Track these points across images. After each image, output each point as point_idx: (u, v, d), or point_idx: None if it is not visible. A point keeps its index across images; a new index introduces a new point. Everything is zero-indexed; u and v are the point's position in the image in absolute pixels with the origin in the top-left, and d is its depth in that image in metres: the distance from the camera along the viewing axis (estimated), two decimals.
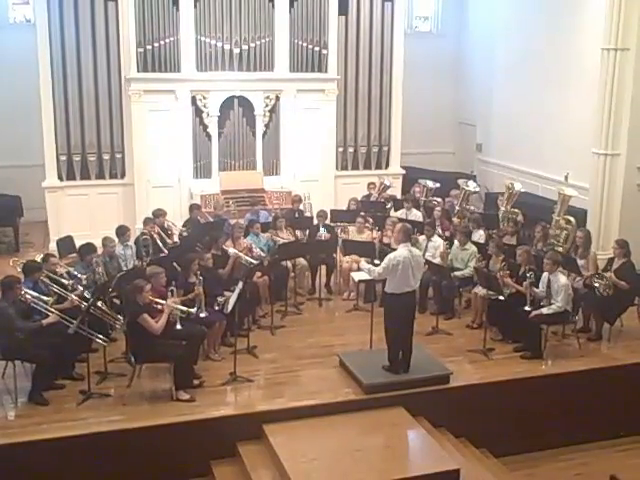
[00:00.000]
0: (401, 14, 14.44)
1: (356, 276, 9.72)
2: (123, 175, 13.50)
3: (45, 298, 7.92)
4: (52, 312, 7.79)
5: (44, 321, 7.71)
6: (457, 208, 12.30)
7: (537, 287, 9.08)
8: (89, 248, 9.30)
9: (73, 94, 12.92)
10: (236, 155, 13.69)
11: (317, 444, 7.28)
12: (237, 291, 8.37)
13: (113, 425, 7.31)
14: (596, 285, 9.39)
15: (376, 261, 9.39)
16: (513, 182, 12.55)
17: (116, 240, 9.96)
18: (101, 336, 8.01)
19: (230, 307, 8.32)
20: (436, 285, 10.29)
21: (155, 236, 10.33)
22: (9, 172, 13.99)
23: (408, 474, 6.92)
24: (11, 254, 11.92)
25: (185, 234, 10.90)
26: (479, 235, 10.89)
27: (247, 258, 9.81)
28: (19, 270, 8.58)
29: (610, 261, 9.82)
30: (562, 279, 9.00)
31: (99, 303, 8.19)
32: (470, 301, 10.36)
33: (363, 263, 8.63)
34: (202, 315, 8.33)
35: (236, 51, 13.30)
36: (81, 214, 13.01)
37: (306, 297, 11.02)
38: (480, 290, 9.67)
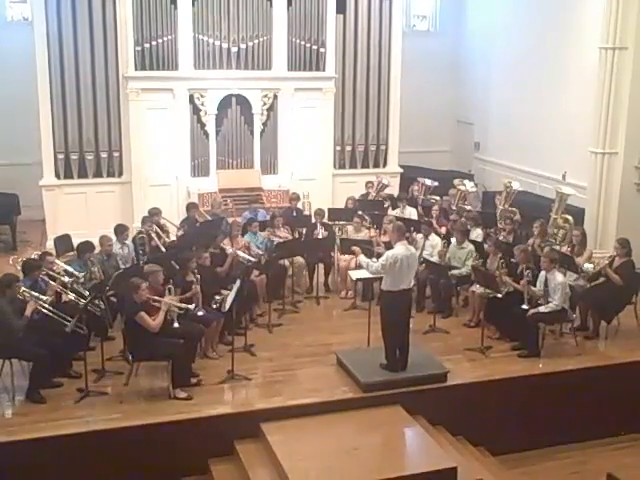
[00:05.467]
0: (399, 13, 14.41)
1: (354, 275, 9.71)
2: (121, 173, 13.47)
3: (43, 297, 7.90)
4: (50, 310, 7.80)
5: (26, 312, 7.63)
6: (453, 208, 12.30)
7: (535, 285, 9.09)
8: (87, 246, 9.29)
9: (71, 92, 12.89)
10: (234, 154, 13.68)
11: (315, 442, 7.28)
12: (235, 289, 8.37)
13: (110, 423, 7.31)
14: (584, 268, 9.41)
15: (373, 259, 9.40)
16: (511, 181, 12.58)
17: (113, 239, 9.94)
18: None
19: (228, 305, 8.32)
20: (434, 283, 10.30)
21: (153, 235, 10.32)
22: (6, 170, 13.98)
23: (405, 472, 6.92)
24: (8, 252, 11.91)
25: (181, 232, 10.89)
26: (477, 234, 10.89)
27: (245, 256, 9.81)
28: (18, 268, 8.57)
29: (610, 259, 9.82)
30: (559, 277, 9.00)
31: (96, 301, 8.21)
32: (468, 299, 10.37)
33: (362, 257, 8.62)
34: (200, 313, 8.35)
35: (234, 49, 13.29)
36: (78, 212, 12.98)
37: (304, 295, 11.03)
38: (478, 288, 9.67)
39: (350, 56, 14.33)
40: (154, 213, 10.83)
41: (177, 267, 9.15)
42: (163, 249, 10.19)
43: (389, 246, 8.73)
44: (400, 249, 8.02)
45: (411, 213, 12.04)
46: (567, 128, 13.66)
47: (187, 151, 13.45)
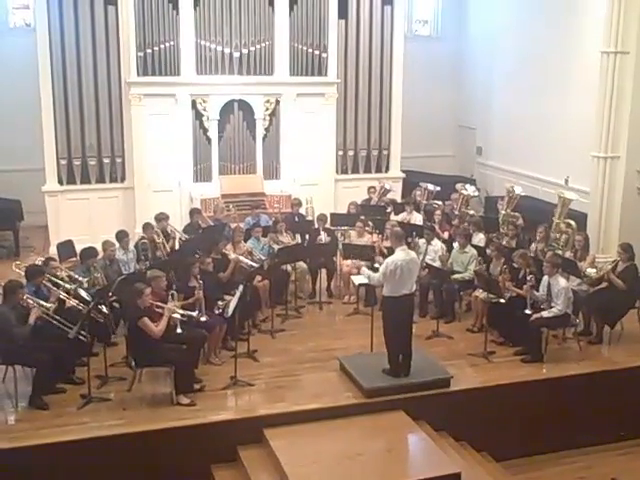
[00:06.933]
0: (401, 18, 14.45)
1: (356, 280, 9.72)
2: (123, 179, 13.50)
3: (47, 304, 7.90)
4: (52, 317, 7.80)
5: (30, 319, 7.62)
6: (456, 212, 12.30)
7: (538, 290, 9.08)
8: (90, 252, 9.29)
9: (73, 98, 12.92)
10: (236, 159, 13.70)
11: (318, 448, 7.27)
12: (237, 295, 8.37)
13: (113, 429, 7.30)
14: (587, 273, 9.41)
15: (376, 265, 9.42)
16: (513, 185, 12.55)
17: (117, 244, 9.94)
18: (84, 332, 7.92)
19: (230, 311, 8.32)
20: (436, 289, 10.29)
21: (156, 239, 10.29)
22: (9, 176, 13.98)
23: (409, 478, 6.92)
24: (11, 258, 11.91)
25: (185, 239, 10.87)
26: (479, 238, 10.88)
27: (248, 261, 9.81)
28: (22, 274, 8.57)
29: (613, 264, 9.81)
30: (562, 282, 9.00)
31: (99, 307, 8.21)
32: (470, 304, 10.36)
33: (364, 269, 8.63)
34: (202, 319, 8.33)
35: (236, 55, 13.31)
36: (81, 218, 13.00)
37: (306, 301, 11.01)
38: (480, 293, 9.66)
39: (352, 61, 14.35)
40: (161, 219, 10.77)
41: (180, 273, 9.15)
42: (165, 255, 10.17)
43: (391, 251, 8.73)
44: (400, 254, 8.02)
45: (418, 219, 12.00)
46: (569, 132, 13.65)
47: (189, 156, 13.47)
